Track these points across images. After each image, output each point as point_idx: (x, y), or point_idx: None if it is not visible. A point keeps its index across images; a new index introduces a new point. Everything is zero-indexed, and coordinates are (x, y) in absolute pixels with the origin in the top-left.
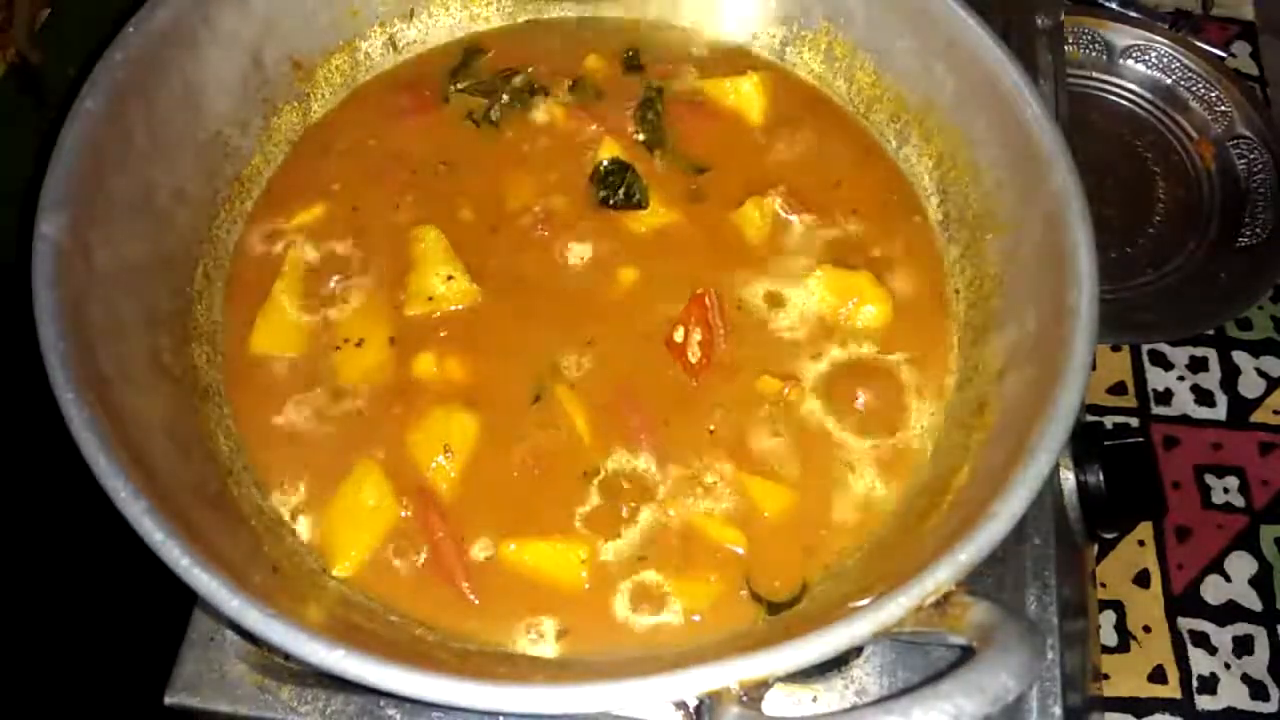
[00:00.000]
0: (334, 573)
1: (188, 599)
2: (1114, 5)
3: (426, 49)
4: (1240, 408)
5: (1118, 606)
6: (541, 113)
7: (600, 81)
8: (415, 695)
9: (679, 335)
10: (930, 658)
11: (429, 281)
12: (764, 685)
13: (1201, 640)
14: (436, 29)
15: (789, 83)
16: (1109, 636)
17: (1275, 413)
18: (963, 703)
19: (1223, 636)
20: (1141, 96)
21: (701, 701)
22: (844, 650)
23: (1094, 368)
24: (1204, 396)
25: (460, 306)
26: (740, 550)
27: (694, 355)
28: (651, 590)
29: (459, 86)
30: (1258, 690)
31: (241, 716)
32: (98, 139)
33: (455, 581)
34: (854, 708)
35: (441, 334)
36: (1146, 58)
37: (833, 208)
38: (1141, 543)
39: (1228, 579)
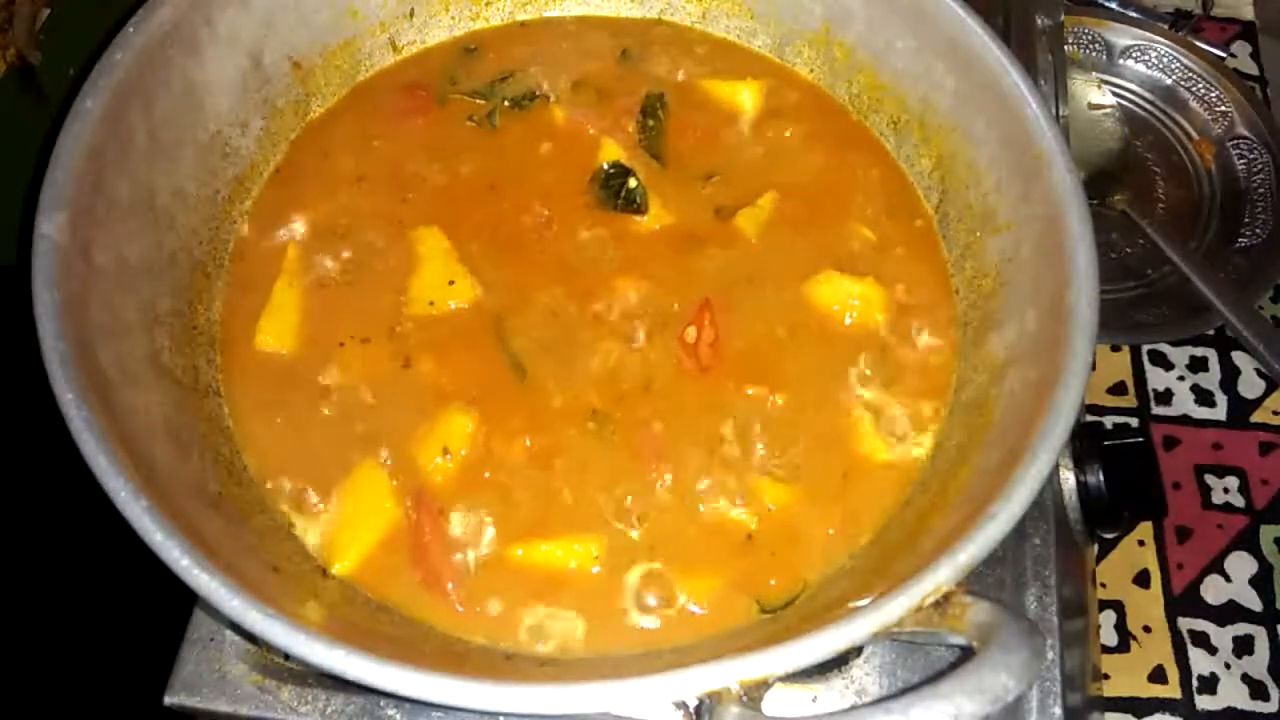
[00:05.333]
0: (334, 572)
1: (188, 599)
2: (1114, 5)
3: (426, 49)
4: (1240, 408)
5: (1118, 606)
6: (541, 115)
7: (600, 83)
8: (415, 695)
9: (690, 336)
10: (930, 658)
11: (430, 282)
12: (764, 685)
13: (1201, 640)
14: (436, 29)
15: (789, 83)
16: (1109, 636)
17: (1275, 413)
18: (963, 703)
19: (1223, 636)
20: (1141, 96)
21: (701, 701)
22: (844, 650)
23: (1094, 368)
24: (1204, 396)
25: (461, 307)
26: (743, 549)
27: (704, 356)
28: (653, 589)
29: (458, 88)
30: (1258, 690)
31: (241, 716)
32: (98, 139)
33: (442, 584)
34: (854, 708)
35: (442, 334)
36: (1146, 58)
37: (833, 209)
38: (1141, 543)
39: (1228, 579)
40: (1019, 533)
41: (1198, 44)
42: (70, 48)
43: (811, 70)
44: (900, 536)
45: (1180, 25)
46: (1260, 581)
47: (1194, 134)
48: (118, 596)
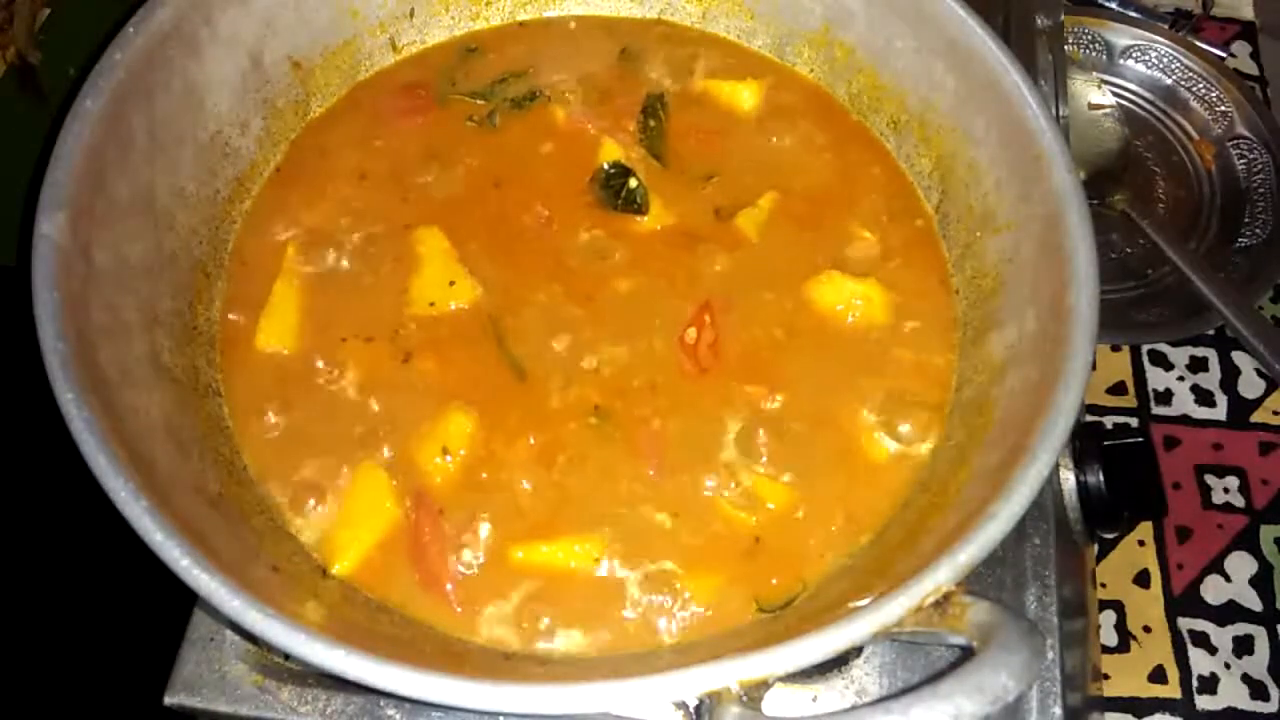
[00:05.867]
0: (333, 573)
1: (188, 599)
2: (1114, 5)
3: (426, 49)
4: (1240, 408)
5: (1118, 606)
6: (542, 115)
7: (601, 83)
8: (415, 695)
9: (690, 337)
10: (930, 658)
11: (430, 282)
12: (764, 685)
13: (1201, 640)
14: (436, 29)
15: (789, 83)
16: (1109, 636)
17: (1275, 413)
18: (963, 703)
19: (1223, 636)
20: (1141, 96)
21: (701, 701)
22: (844, 650)
23: (1094, 368)
24: (1204, 396)
25: (461, 307)
26: (743, 549)
27: (704, 358)
28: (653, 588)
29: (458, 88)
30: (1258, 690)
31: (241, 716)
32: (98, 139)
33: (440, 585)
34: (854, 708)
35: (443, 334)
36: (1146, 58)
37: (833, 210)
38: (1141, 543)
39: (1228, 579)
40: (1019, 533)
41: (1198, 44)
42: (70, 48)
43: (811, 70)
44: (900, 536)
45: (1180, 25)
46: (1260, 581)
47: (1194, 134)
48: (118, 596)
